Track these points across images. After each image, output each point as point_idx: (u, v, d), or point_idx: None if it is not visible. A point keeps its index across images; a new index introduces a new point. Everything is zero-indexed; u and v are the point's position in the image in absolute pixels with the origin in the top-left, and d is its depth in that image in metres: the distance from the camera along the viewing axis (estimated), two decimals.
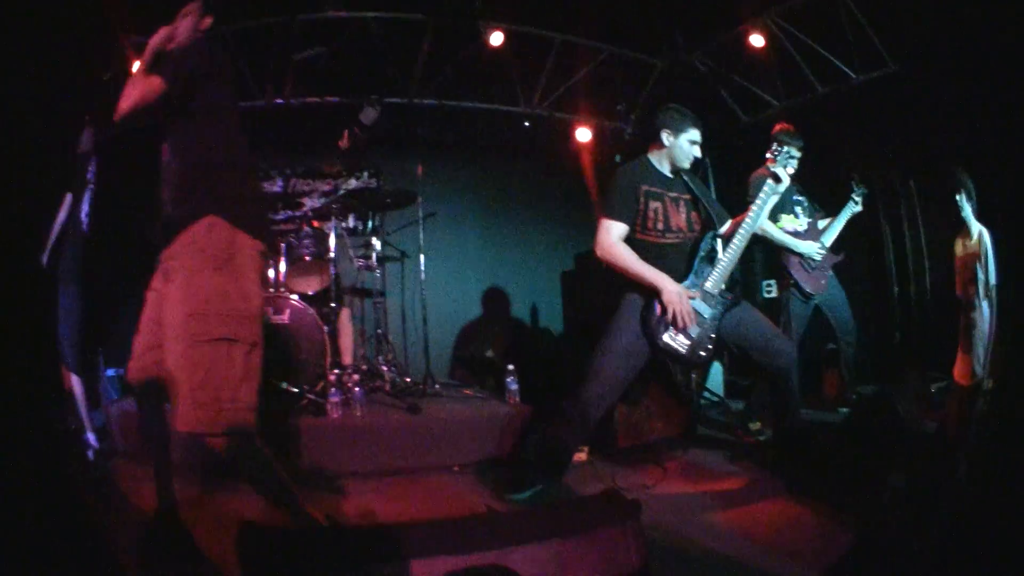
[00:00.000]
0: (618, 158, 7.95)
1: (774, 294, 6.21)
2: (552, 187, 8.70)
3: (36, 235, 4.60)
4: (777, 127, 5.29)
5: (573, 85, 7.65)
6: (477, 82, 7.49)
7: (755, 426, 5.20)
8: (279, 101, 6.81)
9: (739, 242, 3.98)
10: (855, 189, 5.49)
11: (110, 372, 6.17)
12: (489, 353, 7.82)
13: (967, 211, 4.13)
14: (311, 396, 5.15)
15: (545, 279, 8.46)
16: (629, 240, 4.04)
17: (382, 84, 7.03)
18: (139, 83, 2.75)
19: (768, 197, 4.03)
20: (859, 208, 5.51)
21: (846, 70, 6.59)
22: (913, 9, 5.53)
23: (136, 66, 3.08)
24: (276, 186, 7.38)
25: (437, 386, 6.15)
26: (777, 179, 3.98)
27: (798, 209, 5.50)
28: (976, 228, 4.13)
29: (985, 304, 3.95)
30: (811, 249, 5.34)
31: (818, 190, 5.79)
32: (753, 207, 4.01)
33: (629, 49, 7.64)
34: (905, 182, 6.42)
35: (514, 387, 5.51)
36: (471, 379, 7.07)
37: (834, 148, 6.71)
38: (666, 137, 4.09)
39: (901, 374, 4.48)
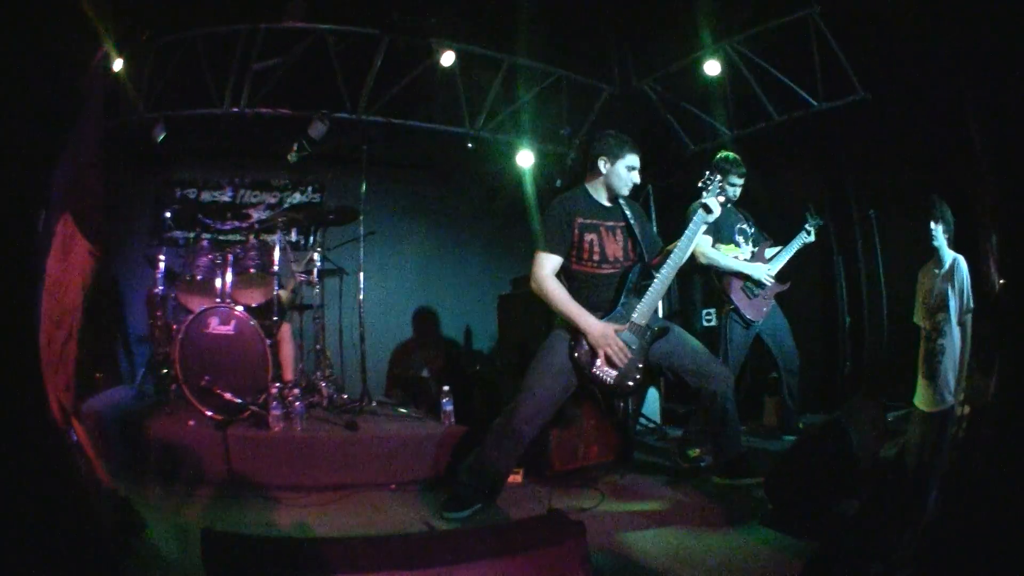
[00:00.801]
0: (559, 183, 7.95)
1: (713, 323, 6.27)
2: (492, 210, 8.74)
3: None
4: (718, 155, 5.42)
5: (519, 108, 7.71)
6: (424, 101, 7.49)
7: (694, 452, 5.10)
8: (235, 110, 6.71)
9: (666, 272, 3.95)
10: (809, 219, 5.57)
11: None
12: (424, 373, 7.75)
13: (940, 240, 4.11)
14: (253, 408, 5.08)
15: (481, 301, 8.40)
16: (565, 270, 4.08)
17: (332, 99, 6.98)
18: None
19: (697, 227, 3.97)
20: (811, 239, 5.61)
21: (807, 97, 6.55)
22: (886, 35, 5.53)
23: None
24: (226, 195, 7.29)
25: (374, 404, 6.09)
26: (707, 209, 3.92)
27: (739, 238, 5.52)
28: (949, 256, 4.10)
29: (957, 331, 3.95)
30: (760, 272, 5.37)
31: (771, 219, 5.89)
32: (683, 237, 3.98)
33: (579, 73, 7.72)
34: (864, 211, 6.33)
35: (449, 408, 5.47)
36: (407, 398, 7.01)
37: (789, 177, 6.84)
38: (603, 164, 4.09)
39: (854, 402, 4.51)
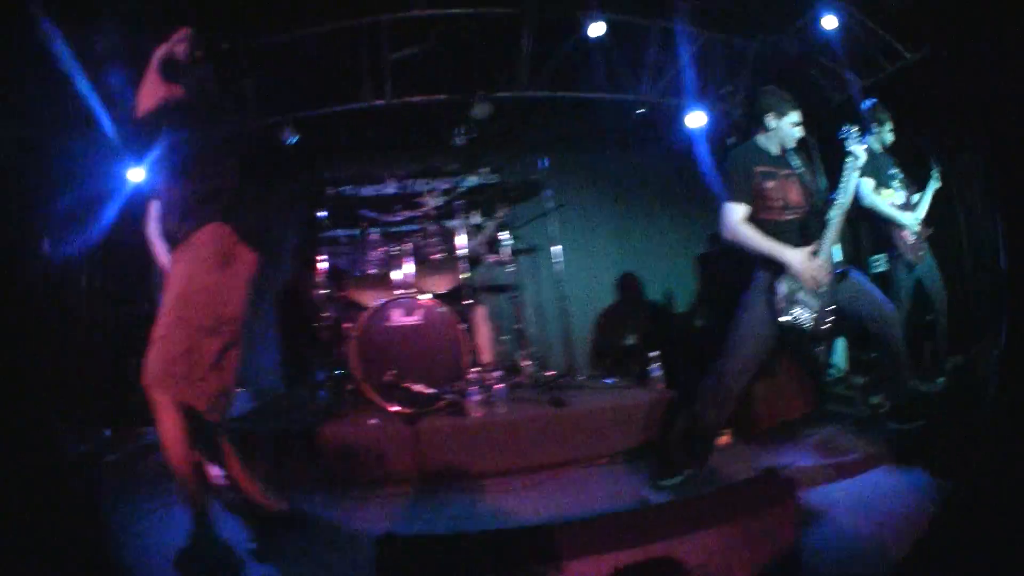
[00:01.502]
0: (730, 140, 7.52)
1: (882, 268, 5.85)
2: (673, 171, 8.23)
3: None
4: (864, 104, 5.49)
5: (678, 70, 7.23)
6: (584, 72, 7.09)
7: (876, 400, 5.06)
8: (379, 102, 6.60)
9: (835, 216, 3.93)
10: (934, 166, 5.71)
11: None
12: (630, 341, 7.48)
13: None
14: (450, 397, 4.96)
15: (679, 263, 8.04)
16: (753, 221, 4.02)
17: (490, 79, 6.77)
18: (159, 87, 3.11)
19: (850, 174, 3.96)
20: (939, 184, 5.70)
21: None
22: None
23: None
24: (390, 187, 7.21)
25: (581, 377, 5.94)
26: (853, 156, 3.96)
27: (895, 183, 5.50)
28: None
29: None
30: (912, 221, 5.41)
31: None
32: (840, 185, 3.97)
33: (723, 32, 7.25)
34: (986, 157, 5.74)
35: (657, 373, 5.30)
36: (613, 368, 6.77)
37: (910, 125, 6.21)
38: (770, 120, 4.12)
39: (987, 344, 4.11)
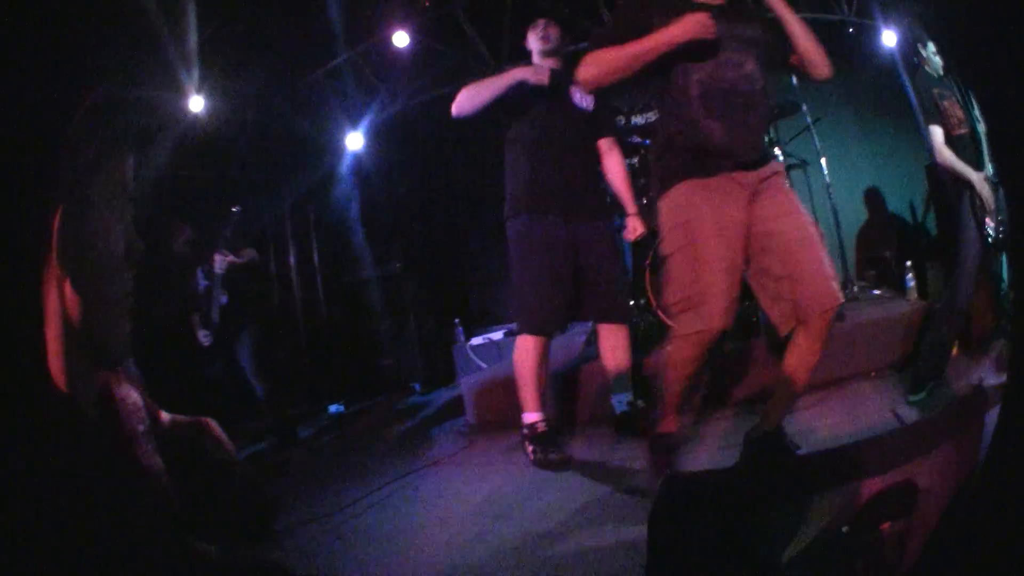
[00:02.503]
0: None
1: None
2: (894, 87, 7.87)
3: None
4: None
5: None
6: None
7: None
8: None
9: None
10: None
11: (476, 340, 6.58)
12: (887, 253, 7.40)
13: None
14: None
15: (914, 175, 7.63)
16: (948, 139, 4.16)
17: None
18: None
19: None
20: None
21: None
22: None
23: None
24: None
25: (855, 289, 5.97)
26: None
27: None
28: None
29: None
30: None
31: None
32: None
33: None
34: None
35: (911, 284, 5.36)
36: (878, 279, 6.81)
37: None
38: (922, 49, 4.37)
39: None
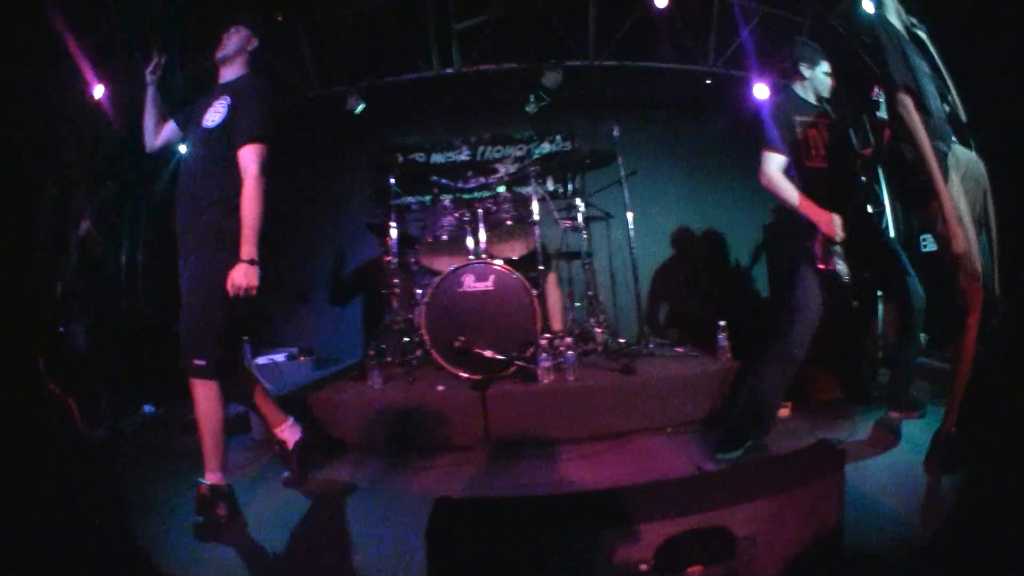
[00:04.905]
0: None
1: (931, 248, 5.32)
2: (741, 142, 7.85)
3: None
4: None
5: (739, 44, 6.92)
6: (653, 42, 6.83)
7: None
8: (448, 71, 6.44)
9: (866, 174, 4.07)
10: None
11: (261, 360, 6.18)
12: (698, 310, 7.20)
13: None
14: (521, 363, 4.78)
15: (748, 233, 7.65)
16: (798, 167, 3.95)
17: (559, 49, 6.54)
18: None
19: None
20: None
21: None
22: None
23: None
24: (462, 154, 7.05)
25: (651, 345, 5.72)
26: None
27: None
28: None
29: None
30: None
31: None
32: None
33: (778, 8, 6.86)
34: None
35: (724, 343, 5.03)
36: (684, 336, 6.49)
37: None
38: (805, 69, 4.08)
39: None
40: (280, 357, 6.25)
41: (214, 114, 3.46)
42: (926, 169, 3.23)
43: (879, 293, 5.66)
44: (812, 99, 4.09)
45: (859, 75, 6.43)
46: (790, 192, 3.85)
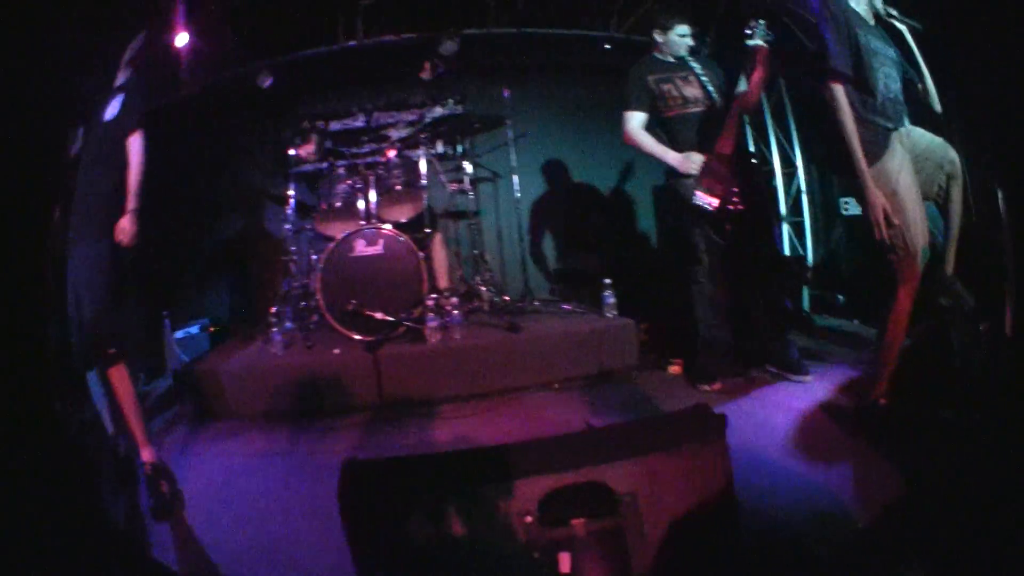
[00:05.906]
0: None
1: (853, 212, 5.75)
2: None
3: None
4: None
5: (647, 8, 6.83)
6: (554, 7, 6.90)
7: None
8: (352, 44, 6.44)
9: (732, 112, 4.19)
10: None
11: (179, 334, 6.13)
12: (585, 268, 7.32)
13: None
14: (408, 324, 4.92)
15: (637, 194, 7.82)
16: (663, 121, 4.37)
17: (458, 16, 6.56)
18: None
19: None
20: None
21: None
22: None
23: None
24: (357, 121, 7.02)
25: (536, 303, 5.92)
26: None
27: None
28: None
29: None
30: None
31: None
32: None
33: None
34: None
35: (611, 301, 5.20)
36: (570, 293, 6.66)
37: None
38: (657, 35, 4.45)
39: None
40: (194, 329, 6.22)
41: None
42: (847, 149, 3.26)
43: None
44: (669, 59, 4.41)
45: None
46: (644, 140, 4.33)
